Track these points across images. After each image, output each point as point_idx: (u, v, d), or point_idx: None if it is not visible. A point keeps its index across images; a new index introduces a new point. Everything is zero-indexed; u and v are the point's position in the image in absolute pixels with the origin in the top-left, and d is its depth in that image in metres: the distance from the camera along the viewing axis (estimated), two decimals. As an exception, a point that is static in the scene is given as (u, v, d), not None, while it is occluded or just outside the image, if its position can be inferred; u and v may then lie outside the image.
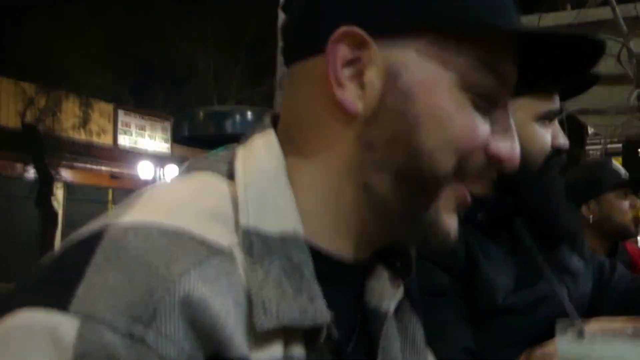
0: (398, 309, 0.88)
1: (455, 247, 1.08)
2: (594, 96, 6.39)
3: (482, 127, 0.77)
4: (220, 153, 0.81)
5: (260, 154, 0.78)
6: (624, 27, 5.09)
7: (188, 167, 0.80)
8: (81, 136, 17.71)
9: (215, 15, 20.57)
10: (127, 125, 19.28)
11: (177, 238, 0.66)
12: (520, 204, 1.47)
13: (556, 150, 1.49)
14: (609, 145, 11.11)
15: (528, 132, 1.46)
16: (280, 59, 2.31)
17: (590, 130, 11.44)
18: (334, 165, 0.77)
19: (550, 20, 5.95)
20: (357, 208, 0.77)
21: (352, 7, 0.76)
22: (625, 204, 3.04)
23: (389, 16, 0.75)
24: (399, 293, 0.87)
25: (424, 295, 1.02)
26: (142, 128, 19.71)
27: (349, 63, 0.76)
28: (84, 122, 17.56)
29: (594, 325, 0.88)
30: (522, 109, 1.46)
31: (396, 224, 0.78)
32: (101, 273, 0.62)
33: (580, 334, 0.79)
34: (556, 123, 1.53)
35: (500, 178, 0.85)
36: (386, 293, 0.85)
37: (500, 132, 0.80)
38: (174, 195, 0.74)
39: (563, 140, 1.50)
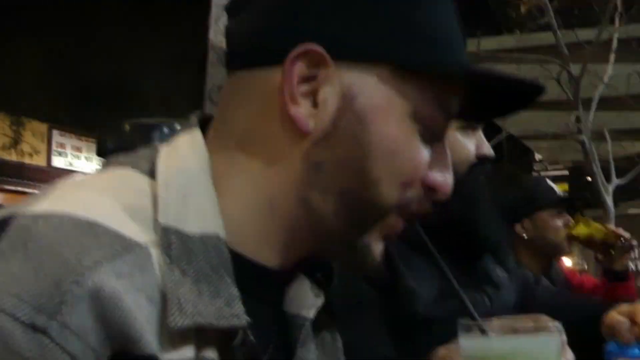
0: (317, 320, 0.86)
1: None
2: (537, 120, 6.27)
3: (426, 159, 0.79)
4: (143, 151, 0.80)
5: (184, 153, 0.78)
6: (565, 51, 4.93)
7: (108, 162, 0.79)
8: (12, 157, 17.07)
9: (161, 33, 20.08)
10: (62, 146, 18.60)
11: (91, 230, 0.65)
12: (443, 214, 1.32)
13: (480, 160, 1.49)
14: (555, 172, 11.02)
15: (450, 141, 1.28)
16: (210, 70, 2.39)
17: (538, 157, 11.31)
18: (276, 178, 0.77)
19: (492, 43, 5.77)
20: (292, 222, 0.78)
21: (316, 26, 0.76)
22: (559, 222, 3.07)
23: (351, 44, 0.76)
24: (319, 303, 0.86)
25: (343, 305, 1.02)
26: (79, 149, 19.02)
27: (305, 80, 0.76)
28: (15, 142, 16.96)
29: (496, 323, 0.85)
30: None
31: (331, 243, 0.80)
32: (5, 261, 0.62)
33: (482, 331, 0.81)
34: (480, 133, 1.51)
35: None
36: (306, 302, 0.85)
37: (436, 162, 0.81)
38: (91, 188, 0.73)
39: (487, 150, 1.49)
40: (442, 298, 1.41)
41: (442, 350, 1.18)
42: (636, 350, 1.38)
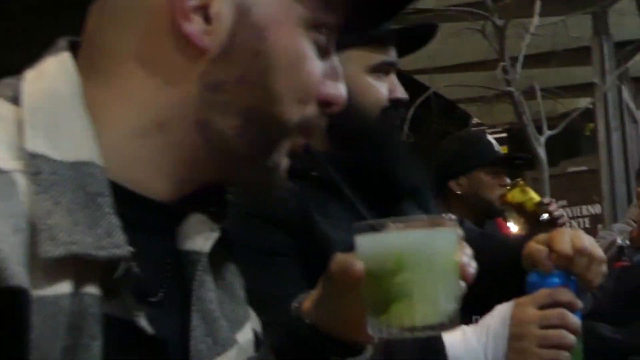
0: (215, 256, 0.82)
1: (288, 203, 1.27)
2: (468, 82, 6.20)
3: (321, 72, 0.78)
4: (5, 79, 0.74)
5: (53, 77, 0.72)
6: (490, 2, 4.79)
7: None
8: None
9: (74, 23, 19.57)
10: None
11: None
12: (358, 158, 1.45)
13: (394, 104, 1.49)
14: (495, 135, 10.95)
15: (360, 84, 1.45)
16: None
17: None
18: (167, 103, 0.73)
19: None
20: (188, 148, 0.74)
21: None
22: (495, 181, 3.00)
23: None
24: (213, 237, 0.81)
25: (256, 253, 1.15)
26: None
27: None
28: None
29: (391, 224, 0.81)
30: (353, 60, 1.45)
31: (235, 165, 0.78)
32: None
33: (376, 228, 0.80)
34: (394, 76, 1.51)
35: (336, 133, 1.05)
36: (200, 237, 0.80)
37: (328, 75, 0.80)
38: None
39: (401, 94, 1.49)
40: None
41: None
42: (556, 279, 1.35)
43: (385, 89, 1.51)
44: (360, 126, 1.47)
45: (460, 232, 0.85)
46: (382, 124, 1.49)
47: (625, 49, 6.69)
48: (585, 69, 7.23)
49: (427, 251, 0.80)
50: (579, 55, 7.46)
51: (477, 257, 1.70)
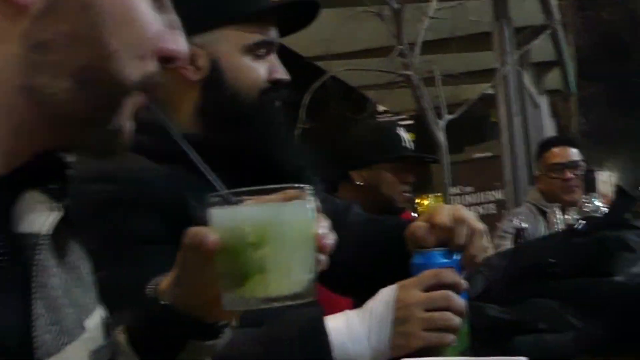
0: (58, 240, 0.76)
1: (164, 191, 1.30)
2: (369, 70, 6.11)
3: (159, 27, 0.75)
4: None
5: None
6: None
7: None
8: None
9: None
10: None
11: None
12: (235, 142, 1.42)
13: (274, 85, 1.47)
14: (403, 122, 10.96)
15: (236, 64, 1.45)
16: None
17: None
18: None
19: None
20: (14, 113, 0.69)
21: None
22: (397, 177, 2.89)
23: None
24: (54, 217, 0.75)
25: (133, 242, 1.15)
26: None
27: None
28: None
29: (247, 200, 0.83)
30: (228, 40, 1.45)
31: (72, 131, 0.73)
32: None
33: (228, 201, 0.82)
34: (274, 56, 1.50)
35: (211, 115, 1.15)
36: (38, 217, 0.73)
37: (165, 28, 0.77)
38: None
39: (282, 75, 1.48)
40: None
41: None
42: (440, 259, 1.34)
43: (264, 69, 1.48)
44: (236, 108, 1.45)
45: (316, 203, 0.85)
46: (260, 106, 1.46)
47: (525, 32, 6.71)
48: (487, 54, 7.25)
49: (281, 223, 0.81)
50: (480, 40, 7.48)
51: (363, 241, 1.62)
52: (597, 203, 2.62)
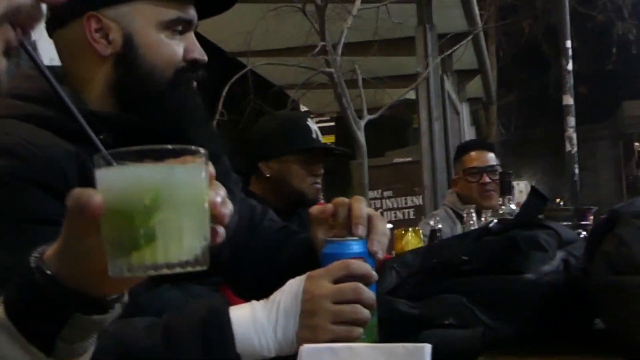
0: None
1: (66, 170, 1.25)
2: (290, 70, 6.07)
3: None
4: None
5: None
6: None
7: None
8: None
9: None
10: None
11: None
12: (148, 120, 1.39)
13: (190, 65, 1.45)
14: (323, 125, 10.95)
15: (150, 40, 1.42)
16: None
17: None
18: None
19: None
20: None
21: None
22: (306, 170, 2.87)
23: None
24: None
25: (24, 221, 1.11)
26: None
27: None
28: None
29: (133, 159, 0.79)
30: (144, 14, 1.41)
31: None
32: None
33: (110, 162, 0.78)
34: (191, 35, 1.47)
35: (124, 92, 1.13)
36: None
37: None
38: None
39: (199, 55, 1.46)
40: None
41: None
42: (352, 249, 1.30)
43: (180, 47, 1.44)
44: (150, 86, 1.41)
45: (210, 169, 0.82)
46: (175, 85, 1.43)
47: (447, 38, 6.78)
48: (410, 59, 7.30)
49: (175, 186, 0.77)
50: (403, 45, 7.54)
51: (274, 249, 1.59)
52: (513, 207, 2.64)
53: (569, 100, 8.68)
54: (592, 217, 2.44)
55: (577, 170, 9.15)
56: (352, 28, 5.05)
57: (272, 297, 1.26)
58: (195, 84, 1.49)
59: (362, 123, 4.94)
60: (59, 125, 1.33)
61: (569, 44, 8.69)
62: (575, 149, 8.87)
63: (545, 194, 1.74)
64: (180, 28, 1.45)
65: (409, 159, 8.85)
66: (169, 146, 0.80)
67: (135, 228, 0.75)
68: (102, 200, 0.76)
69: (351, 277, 1.25)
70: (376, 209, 7.03)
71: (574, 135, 8.81)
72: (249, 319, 1.23)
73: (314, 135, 2.92)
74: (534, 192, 1.72)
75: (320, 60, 4.79)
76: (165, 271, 0.76)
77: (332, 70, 4.59)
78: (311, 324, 1.22)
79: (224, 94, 4.25)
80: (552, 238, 1.55)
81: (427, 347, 0.95)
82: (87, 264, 0.80)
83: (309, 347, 0.96)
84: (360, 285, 1.25)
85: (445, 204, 4.06)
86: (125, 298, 0.89)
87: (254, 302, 1.26)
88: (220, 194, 0.82)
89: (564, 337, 1.40)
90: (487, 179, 3.75)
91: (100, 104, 1.43)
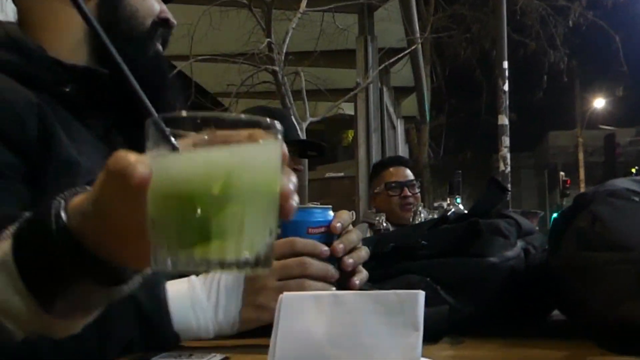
0: None
1: (24, 119, 1.17)
2: (231, 76, 6.00)
3: None
4: None
5: None
6: None
7: None
8: None
9: None
10: None
11: None
12: (117, 74, 1.10)
13: (162, 21, 1.45)
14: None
15: None
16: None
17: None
18: None
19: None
20: None
21: None
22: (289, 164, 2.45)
23: None
24: None
25: None
26: None
27: None
28: None
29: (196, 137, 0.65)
30: None
31: None
32: None
33: (163, 131, 0.66)
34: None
35: (108, 34, 0.86)
36: None
37: None
38: None
39: (171, 18, 1.47)
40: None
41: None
42: (317, 214, 1.25)
43: (157, 3, 1.46)
44: (130, 30, 1.40)
45: (284, 149, 0.69)
46: (150, 36, 1.42)
47: (385, 52, 6.81)
48: (351, 72, 7.32)
49: (244, 173, 0.64)
50: (345, 57, 7.56)
51: None
52: (461, 207, 2.63)
53: (504, 120, 8.83)
54: (536, 222, 2.44)
55: (509, 189, 9.30)
56: (297, 31, 5.01)
57: (211, 275, 1.18)
58: (160, 46, 1.47)
59: (305, 125, 4.90)
60: (20, 70, 1.26)
61: (505, 64, 8.86)
62: (509, 168, 9.02)
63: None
64: None
65: (342, 174, 8.89)
66: (242, 116, 0.67)
67: (201, 220, 0.64)
68: (149, 173, 0.65)
69: (296, 254, 1.19)
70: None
71: (508, 155, 8.96)
72: (186, 296, 1.15)
73: (296, 131, 3.02)
74: (492, 182, 1.69)
75: (261, 52, 4.73)
76: (234, 270, 0.66)
77: (277, 68, 4.53)
78: (256, 303, 1.16)
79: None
80: (512, 227, 1.52)
81: (421, 294, 0.89)
82: (115, 233, 0.70)
83: (289, 295, 0.88)
84: (307, 258, 1.19)
85: (362, 220, 4.11)
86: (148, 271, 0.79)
87: (192, 277, 1.18)
88: (293, 181, 0.70)
89: (524, 324, 1.38)
90: (407, 193, 3.88)
91: (71, 54, 1.36)
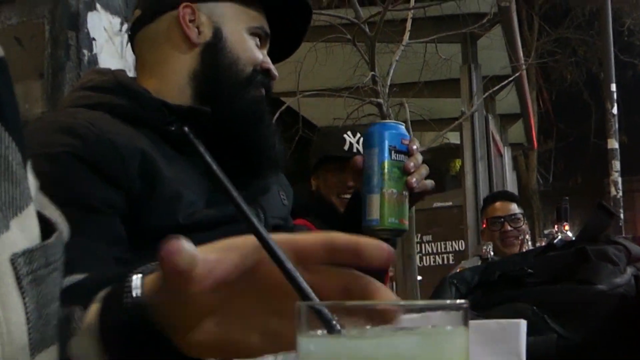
0: None
1: (126, 157, 1.26)
2: (337, 110, 6.08)
3: None
4: None
5: None
6: (360, 12, 4.70)
7: None
8: None
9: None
10: None
11: None
12: (219, 112, 1.42)
13: (265, 72, 1.51)
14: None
15: (238, 36, 1.50)
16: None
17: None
18: None
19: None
20: None
21: None
22: (336, 179, 2.70)
23: None
24: None
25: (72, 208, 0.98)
26: None
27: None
28: None
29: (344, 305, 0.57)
30: (233, 14, 1.51)
31: None
32: None
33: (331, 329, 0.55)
34: (265, 52, 1.55)
35: (210, 79, 1.31)
36: None
37: None
38: None
39: (273, 69, 1.53)
40: (210, 205, 1.35)
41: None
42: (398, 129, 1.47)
43: (260, 53, 1.51)
44: (232, 76, 1.46)
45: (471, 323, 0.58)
46: (251, 82, 1.48)
47: (490, 80, 6.77)
48: (456, 102, 7.30)
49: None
50: (449, 86, 7.54)
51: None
52: (569, 234, 2.60)
53: (614, 144, 8.61)
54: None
55: (622, 215, 9.04)
56: (400, 62, 5.06)
57: None
58: (264, 91, 1.53)
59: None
60: (129, 112, 1.36)
61: (613, 87, 8.64)
62: (621, 193, 8.76)
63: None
64: (262, 35, 1.54)
65: (450, 203, 8.81)
66: (419, 302, 0.60)
67: None
68: (192, 270, 0.62)
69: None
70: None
71: (619, 180, 8.72)
72: None
73: (346, 147, 2.73)
74: (600, 207, 1.68)
75: (366, 84, 4.78)
76: None
77: (381, 100, 4.58)
78: None
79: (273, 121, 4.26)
80: (621, 253, 1.51)
81: (523, 323, 0.91)
82: (176, 318, 0.69)
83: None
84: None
85: (473, 254, 4.16)
86: None
87: None
88: None
89: (634, 354, 1.36)
90: (508, 227, 3.92)
91: (177, 96, 1.46)
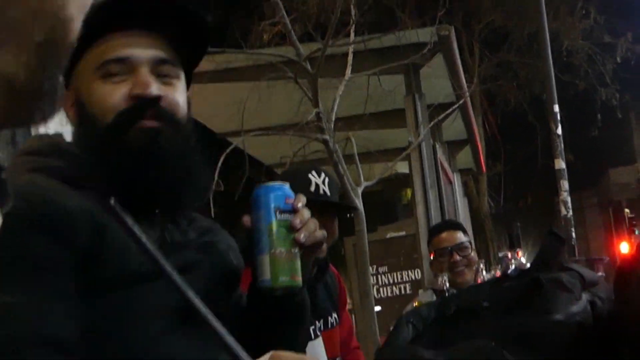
0: None
1: (78, 216, 1.26)
2: (282, 145, 6.07)
3: None
4: None
5: None
6: (301, 49, 4.70)
7: None
8: None
9: None
10: None
11: None
12: (109, 169, 1.36)
13: (138, 102, 1.36)
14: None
15: (89, 91, 1.39)
16: None
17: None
18: None
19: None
20: None
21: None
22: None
23: None
24: None
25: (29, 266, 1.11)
26: None
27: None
28: None
29: None
30: (85, 67, 1.38)
31: None
32: None
33: None
34: (141, 72, 1.37)
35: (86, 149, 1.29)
36: None
37: None
38: None
39: (141, 90, 1.36)
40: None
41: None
42: (282, 190, 1.46)
43: (118, 89, 1.36)
44: (96, 138, 1.37)
45: None
46: (114, 127, 1.35)
47: (435, 108, 6.83)
48: (401, 131, 7.34)
49: None
50: (394, 117, 7.58)
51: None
52: (523, 260, 2.60)
53: (561, 164, 8.73)
54: (601, 268, 2.39)
55: (573, 234, 9.16)
56: (344, 96, 5.06)
57: None
58: (146, 122, 1.37)
59: (360, 190, 4.91)
60: (67, 173, 1.33)
61: (556, 108, 8.79)
62: (571, 212, 8.88)
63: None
64: (115, 70, 1.36)
65: (403, 233, 8.82)
66: None
67: None
68: None
69: None
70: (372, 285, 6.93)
71: (569, 199, 8.83)
72: None
73: (312, 189, 2.56)
74: (550, 233, 1.67)
75: (309, 123, 4.78)
76: None
77: (327, 136, 4.57)
78: None
79: (219, 165, 4.22)
80: (575, 280, 1.50)
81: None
82: None
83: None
84: None
85: (427, 286, 4.14)
86: None
87: None
88: None
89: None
90: (457, 257, 3.84)
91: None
